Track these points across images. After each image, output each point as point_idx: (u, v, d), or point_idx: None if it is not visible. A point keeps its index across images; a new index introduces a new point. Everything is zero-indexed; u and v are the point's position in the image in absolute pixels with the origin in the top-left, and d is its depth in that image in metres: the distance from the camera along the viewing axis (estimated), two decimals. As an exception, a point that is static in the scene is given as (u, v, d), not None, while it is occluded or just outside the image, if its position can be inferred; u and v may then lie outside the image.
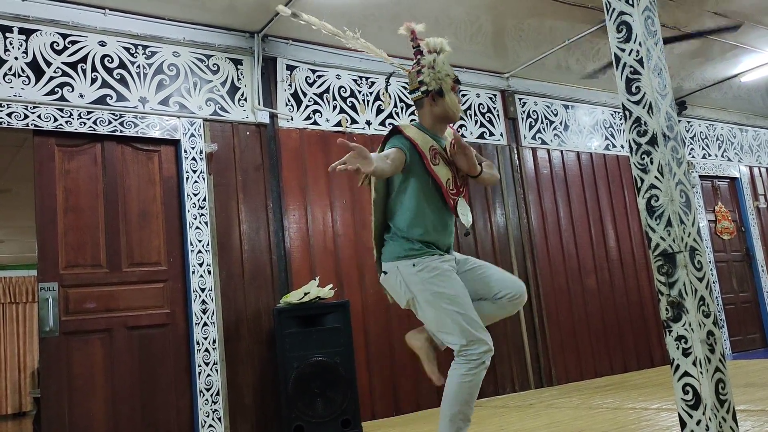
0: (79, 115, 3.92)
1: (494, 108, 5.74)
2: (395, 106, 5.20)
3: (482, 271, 2.64)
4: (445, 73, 2.61)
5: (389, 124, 5.13)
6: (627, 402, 4.02)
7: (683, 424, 2.07)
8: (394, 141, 2.54)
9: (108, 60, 4.09)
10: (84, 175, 3.96)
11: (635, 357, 5.99)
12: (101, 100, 4.02)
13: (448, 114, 2.62)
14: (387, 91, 5.22)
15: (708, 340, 2.07)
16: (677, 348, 2.10)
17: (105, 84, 4.05)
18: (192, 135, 4.27)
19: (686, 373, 2.07)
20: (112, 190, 4.03)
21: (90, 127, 3.94)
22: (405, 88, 5.29)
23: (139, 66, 4.19)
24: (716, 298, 6.77)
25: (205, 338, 4.05)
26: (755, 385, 4.13)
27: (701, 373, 2.03)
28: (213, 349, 4.06)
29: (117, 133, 4.03)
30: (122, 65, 4.13)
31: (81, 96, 3.96)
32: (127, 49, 4.17)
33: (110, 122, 4.01)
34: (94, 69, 4.03)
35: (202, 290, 4.10)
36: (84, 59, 4.02)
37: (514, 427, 3.53)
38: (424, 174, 2.54)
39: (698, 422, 2.02)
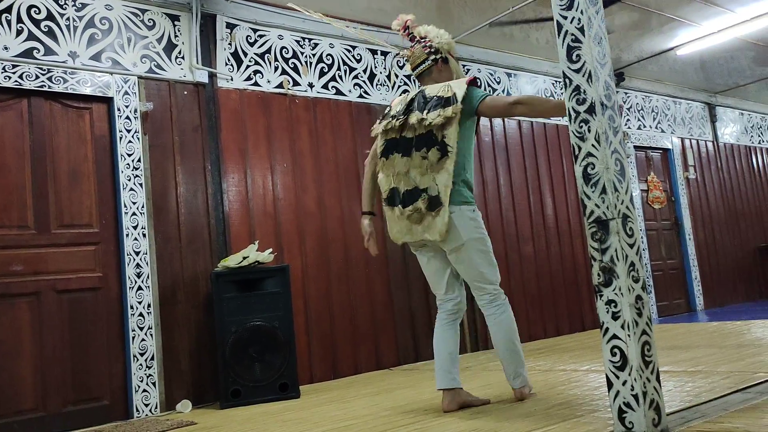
0: (3, 68, 3.70)
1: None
2: (338, 69, 5.12)
3: None
4: (448, 40, 3.16)
5: (332, 87, 5.05)
6: (558, 364, 4.15)
7: (610, 384, 2.14)
8: (481, 90, 2.98)
9: (35, 11, 3.87)
10: (9, 132, 3.77)
11: (568, 321, 6.19)
12: (27, 54, 3.81)
13: (453, 76, 3.10)
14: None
15: (636, 304, 2.14)
16: (607, 312, 2.16)
17: (32, 36, 3.84)
18: (126, 93, 4.11)
19: (615, 336, 2.14)
20: (39, 148, 3.85)
21: (15, 81, 3.73)
22: (348, 51, 5.21)
23: (68, 18, 3.98)
24: (645, 264, 7.03)
25: (140, 302, 3.96)
26: (678, 348, 4.33)
27: (629, 335, 2.11)
28: (148, 313, 3.98)
29: (45, 89, 3.83)
30: (50, 17, 3.92)
31: (5, 48, 3.74)
32: (56, 0, 3.95)
33: (37, 77, 3.81)
34: (19, 20, 3.81)
35: (137, 253, 4.00)
36: (8, 9, 3.78)
37: (450, 390, 3.60)
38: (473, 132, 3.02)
39: (624, 382, 2.10)
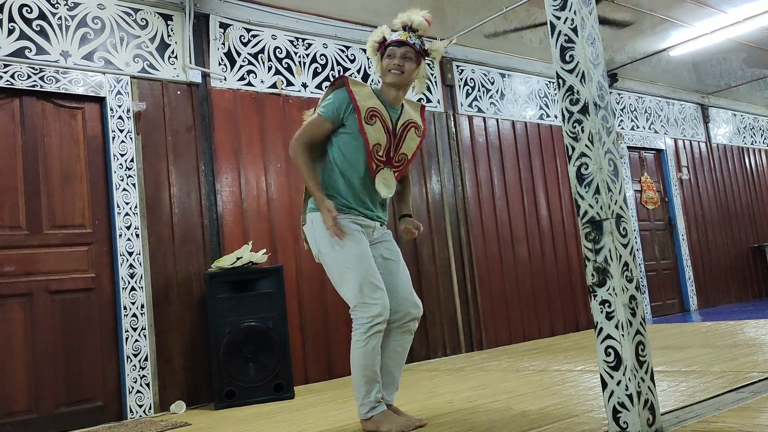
0: (-5, 67, 3.68)
1: (432, 74, 5.73)
2: (332, 69, 5.12)
3: (395, 270, 2.75)
4: (372, 39, 2.77)
5: (326, 87, 5.03)
6: (553, 364, 4.15)
7: (604, 384, 2.14)
8: (330, 98, 2.68)
9: (26, 10, 3.85)
10: (0, 131, 3.74)
11: (562, 321, 6.20)
12: (19, 53, 3.79)
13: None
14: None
15: (630, 304, 2.14)
16: (601, 312, 2.16)
17: (23, 36, 3.82)
18: (118, 92, 4.09)
19: (609, 336, 2.14)
20: (31, 148, 3.83)
21: (7, 81, 3.71)
22: (342, 51, 5.21)
23: (60, 18, 3.96)
24: (639, 264, 7.05)
25: (133, 303, 3.94)
26: (672, 348, 4.34)
27: (623, 335, 2.11)
28: (141, 314, 3.96)
29: (37, 89, 3.81)
30: (42, 16, 3.90)
31: (-3, 47, 3.72)
32: (48, -1, 3.94)
33: (29, 76, 3.79)
34: (11, 19, 3.79)
35: (130, 254, 3.98)
36: (0, 8, 3.76)
37: (444, 389, 3.60)
38: (355, 130, 2.65)
39: (618, 382, 2.10)
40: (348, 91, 2.65)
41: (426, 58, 2.77)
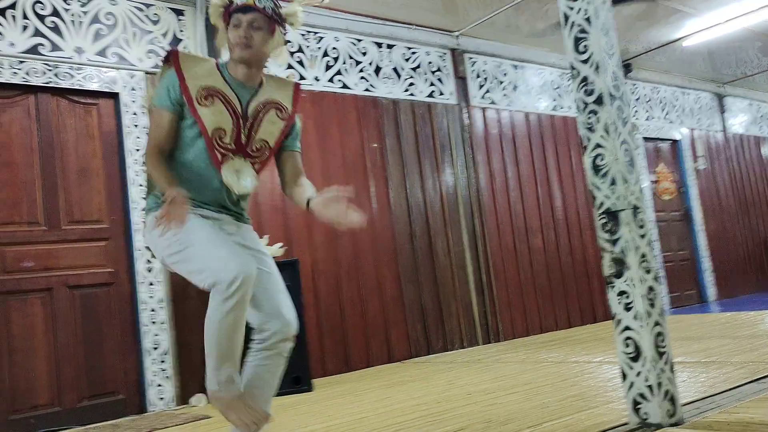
0: (10, 65, 3.71)
1: (444, 67, 5.71)
2: (344, 63, 5.11)
3: (266, 280, 2.19)
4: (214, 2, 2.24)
5: (338, 80, 5.04)
6: (571, 356, 4.14)
7: (624, 375, 2.14)
8: (160, 86, 2.16)
9: (40, 7, 3.87)
10: (17, 128, 3.78)
11: (579, 313, 6.17)
12: (34, 50, 3.81)
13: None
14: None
15: (648, 295, 2.13)
16: (619, 303, 2.15)
17: (38, 32, 3.84)
18: (132, 88, 4.11)
19: (627, 327, 2.13)
20: (47, 144, 3.86)
21: (22, 77, 3.74)
22: (354, 44, 5.20)
23: (73, 14, 3.98)
24: (656, 255, 6.99)
25: (151, 297, 3.97)
26: (691, 339, 4.31)
27: (642, 326, 2.10)
28: (160, 308, 3.99)
29: (51, 85, 3.84)
30: (55, 13, 3.92)
31: (12, 45, 3.75)
32: (62, -3, 3.96)
33: (44, 73, 3.82)
34: (25, 16, 3.81)
35: (147, 249, 4.00)
36: (14, 5, 3.79)
37: (462, 381, 3.60)
38: (190, 116, 2.13)
39: (638, 374, 2.09)
40: (176, 69, 2.13)
41: (281, 25, 2.27)
